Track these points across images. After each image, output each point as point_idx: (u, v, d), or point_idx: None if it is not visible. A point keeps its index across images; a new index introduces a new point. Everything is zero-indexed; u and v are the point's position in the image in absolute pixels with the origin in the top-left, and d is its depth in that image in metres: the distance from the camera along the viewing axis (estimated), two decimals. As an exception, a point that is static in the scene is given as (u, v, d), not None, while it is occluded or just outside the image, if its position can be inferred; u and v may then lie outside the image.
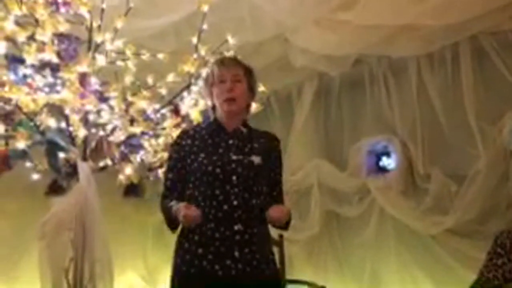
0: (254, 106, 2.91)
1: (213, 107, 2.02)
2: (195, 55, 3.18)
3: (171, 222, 1.87)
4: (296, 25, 3.55)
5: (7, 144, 2.74)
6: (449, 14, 3.20)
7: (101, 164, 3.05)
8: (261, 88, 2.77)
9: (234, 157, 1.87)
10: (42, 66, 2.72)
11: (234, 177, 1.84)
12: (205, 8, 3.08)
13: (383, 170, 4.13)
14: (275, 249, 2.46)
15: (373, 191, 4.02)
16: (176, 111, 3.23)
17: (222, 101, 1.93)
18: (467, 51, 3.58)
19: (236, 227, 1.81)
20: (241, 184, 1.84)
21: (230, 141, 1.92)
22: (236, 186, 1.84)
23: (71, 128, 2.88)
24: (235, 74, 1.94)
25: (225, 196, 1.83)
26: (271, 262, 1.91)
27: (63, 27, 2.73)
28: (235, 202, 1.82)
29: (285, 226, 1.93)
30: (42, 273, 2.94)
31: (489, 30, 3.43)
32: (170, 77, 3.23)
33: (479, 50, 3.55)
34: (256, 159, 1.88)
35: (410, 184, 3.90)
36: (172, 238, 2.00)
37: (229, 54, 3.21)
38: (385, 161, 4.14)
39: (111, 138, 3.05)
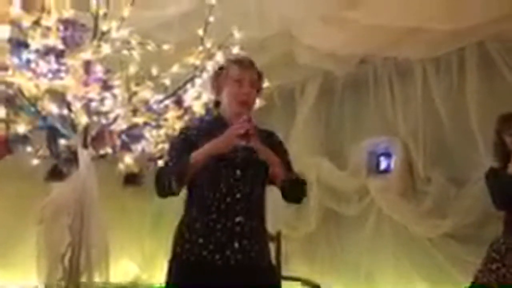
0: (257, 102, 2.90)
1: (217, 103, 2.02)
2: (200, 48, 3.17)
3: (181, 174, 1.81)
4: (302, 22, 3.53)
5: (8, 128, 2.74)
6: (457, 19, 3.18)
7: (102, 152, 3.05)
8: (265, 83, 2.76)
9: (239, 154, 1.88)
10: (46, 52, 2.72)
11: (238, 171, 1.86)
12: (212, 0, 3.07)
13: (383, 171, 4.12)
14: (272, 246, 2.46)
15: (372, 192, 4.01)
16: (179, 103, 3.23)
17: (236, 102, 1.91)
18: (474, 56, 3.56)
19: (237, 219, 1.83)
20: (244, 178, 1.87)
21: None
22: (239, 180, 1.86)
23: (72, 115, 2.88)
24: (253, 78, 1.93)
25: (229, 189, 1.85)
26: (268, 255, 1.94)
27: (68, 13, 2.72)
28: (238, 195, 1.85)
29: (296, 188, 1.93)
30: (39, 257, 2.97)
31: (496, 36, 3.41)
32: (175, 69, 3.22)
33: (485, 56, 3.52)
34: (260, 146, 1.87)
35: (409, 186, 3.89)
36: (169, 227, 2.00)
37: (235, 48, 3.20)
38: (386, 162, 4.14)
39: (113, 127, 3.05)
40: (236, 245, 1.82)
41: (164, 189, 1.85)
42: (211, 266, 1.80)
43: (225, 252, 1.81)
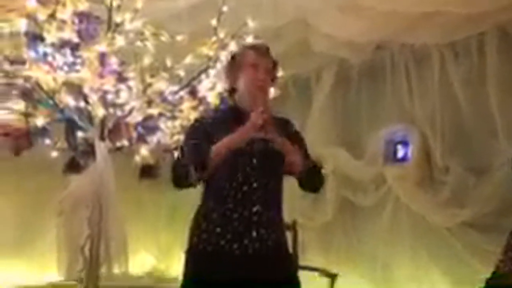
0: (272, 92, 2.87)
1: (231, 91, 1.99)
2: (214, 38, 3.15)
3: (202, 165, 1.79)
4: (318, 10, 3.48)
5: (27, 121, 2.77)
6: (475, 2, 3.10)
7: (118, 144, 3.07)
8: (279, 72, 2.74)
9: (256, 144, 1.86)
10: (62, 45, 2.73)
11: (255, 160, 1.85)
12: (226, -10, 3.04)
13: (401, 159, 4.07)
14: (288, 235, 2.46)
15: (390, 180, 3.97)
16: (193, 94, 3.22)
17: (253, 86, 1.88)
18: (494, 40, 3.48)
19: (254, 209, 1.82)
20: (261, 167, 1.85)
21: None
22: (256, 169, 1.84)
23: (89, 107, 2.90)
24: (268, 66, 1.91)
25: (245, 178, 1.83)
26: (285, 245, 1.93)
27: (83, 6, 2.73)
28: (255, 184, 1.83)
29: (313, 174, 1.90)
30: (59, 249, 3.01)
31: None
32: (189, 59, 3.21)
33: (506, 40, 3.44)
34: (278, 138, 1.85)
35: (427, 175, 3.84)
36: (185, 219, 2.00)
37: (249, 37, 3.17)
38: (403, 151, 4.08)
39: (129, 119, 3.06)
40: (254, 234, 1.81)
41: (180, 180, 1.84)
42: (229, 256, 1.80)
43: (243, 241, 1.80)
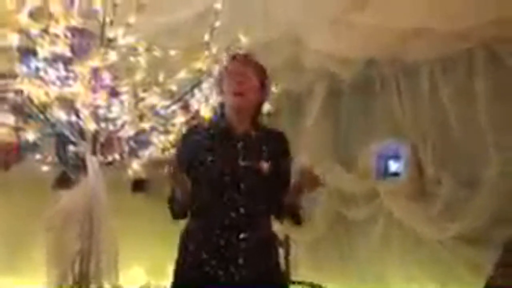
0: (266, 107, 2.89)
1: (223, 105, 2.00)
2: (206, 53, 3.17)
3: (177, 204, 1.85)
4: (309, 25, 3.53)
5: (18, 136, 2.76)
6: (463, 19, 3.17)
7: (110, 158, 3.06)
8: (272, 88, 2.75)
9: (242, 164, 1.83)
10: (54, 59, 2.74)
11: (242, 185, 1.81)
12: (218, 5, 3.07)
13: (393, 174, 4.09)
14: (280, 250, 2.44)
15: (382, 194, 3.99)
16: (186, 108, 3.23)
17: (229, 95, 1.87)
18: (481, 56, 3.54)
19: (242, 235, 1.79)
20: (249, 192, 1.82)
21: (238, 145, 1.86)
22: (244, 194, 1.81)
23: (81, 122, 2.89)
24: (246, 70, 1.89)
25: (233, 204, 1.80)
26: (277, 266, 1.90)
27: (76, 21, 2.74)
28: (242, 210, 1.80)
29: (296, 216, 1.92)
30: (49, 265, 2.97)
31: (503, 36, 3.39)
32: (182, 74, 3.22)
33: (493, 55, 3.50)
34: (265, 165, 1.84)
35: (419, 188, 3.86)
36: (178, 233, 1.98)
37: (241, 51, 3.20)
38: (395, 165, 4.11)
39: (121, 133, 3.05)
40: (241, 261, 1.78)
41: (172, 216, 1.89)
42: (213, 283, 1.76)
43: (229, 269, 1.77)
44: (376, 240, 4.00)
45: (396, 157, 4.09)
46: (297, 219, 1.93)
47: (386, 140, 4.08)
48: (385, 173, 4.11)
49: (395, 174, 4.07)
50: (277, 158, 1.89)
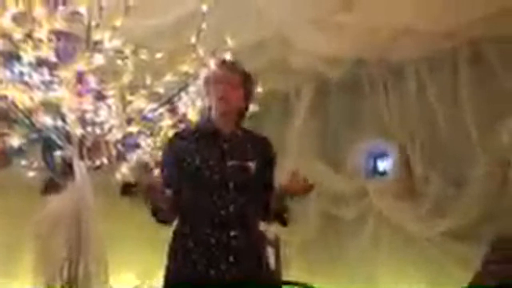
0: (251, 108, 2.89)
1: (210, 108, 2.02)
2: (193, 55, 3.17)
3: (158, 211, 1.88)
4: (296, 26, 3.54)
5: (3, 141, 2.73)
6: (448, 18, 3.20)
7: (98, 163, 3.03)
8: (258, 89, 2.76)
9: (230, 163, 1.87)
10: (39, 64, 2.71)
11: (231, 184, 1.85)
12: (204, 7, 3.07)
13: (381, 173, 4.12)
14: (271, 250, 2.45)
15: (371, 193, 4.01)
16: (173, 111, 3.22)
17: (215, 100, 1.93)
18: (466, 55, 3.58)
19: (232, 233, 1.82)
20: (237, 190, 1.86)
21: (225, 146, 1.91)
22: (232, 192, 1.85)
23: (67, 127, 2.87)
24: (232, 78, 1.94)
25: (222, 202, 1.84)
26: (267, 265, 1.93)
27: (61, 25, 2.72)
28: (231, 208, 1.83)
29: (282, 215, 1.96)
30: (37, 272, 2.94)
31: (488, 35, 3.43)
32: (168, 77, 3.21)
33: (478, 55, 3.54)
34: (252, 165, 1.89)
35: (407, 187, 3.89)
36: (168, 237, 1.98)
37: (228, 54, 3.20)
38: (383, 164, 4.13)
39: (108, 137, 3.03)
40: (231, 259, 1.80)
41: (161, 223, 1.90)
42: (205, 281, 1.78)
43: (220, 267, 1.79)
44: (366, 239, 4.02)
45: (385, 156, 4.12)
46: (282, 220, 1.95)
47: (374, 140, 4.11)
48: (373, 172, 4.13)
49: (384, 173, 4.10)
50: (262, 160, 1.94)
